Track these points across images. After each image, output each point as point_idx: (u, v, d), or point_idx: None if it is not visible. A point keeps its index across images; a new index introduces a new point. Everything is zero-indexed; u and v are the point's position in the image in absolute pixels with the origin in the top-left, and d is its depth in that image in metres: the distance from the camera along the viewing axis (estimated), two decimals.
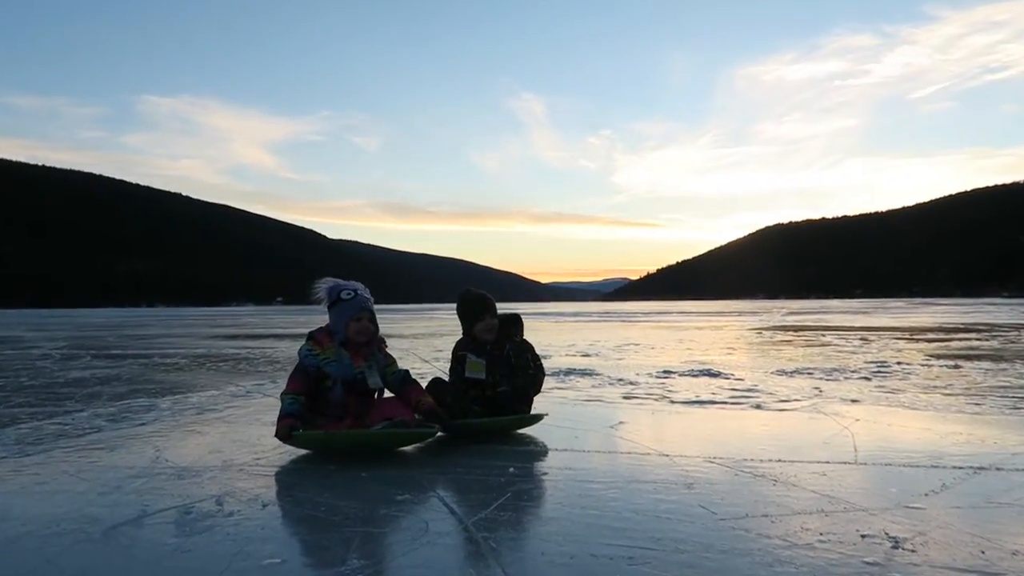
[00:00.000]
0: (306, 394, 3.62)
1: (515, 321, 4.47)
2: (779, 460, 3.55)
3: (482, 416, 4.09)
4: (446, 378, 4.40)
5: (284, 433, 3.47)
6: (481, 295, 4.35)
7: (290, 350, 12.22)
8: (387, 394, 3.93)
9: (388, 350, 3.99)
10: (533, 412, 4.34)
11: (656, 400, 5.65)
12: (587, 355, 10.29)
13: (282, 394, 3.63)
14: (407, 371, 4.03)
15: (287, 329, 23.48)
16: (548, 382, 6.45)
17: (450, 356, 4.51)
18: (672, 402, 5.54)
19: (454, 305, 4.51)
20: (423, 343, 13.93)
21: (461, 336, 4.44)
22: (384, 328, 4.07)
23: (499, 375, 4.20)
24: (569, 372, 7.75)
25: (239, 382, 7.24)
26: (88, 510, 2.86)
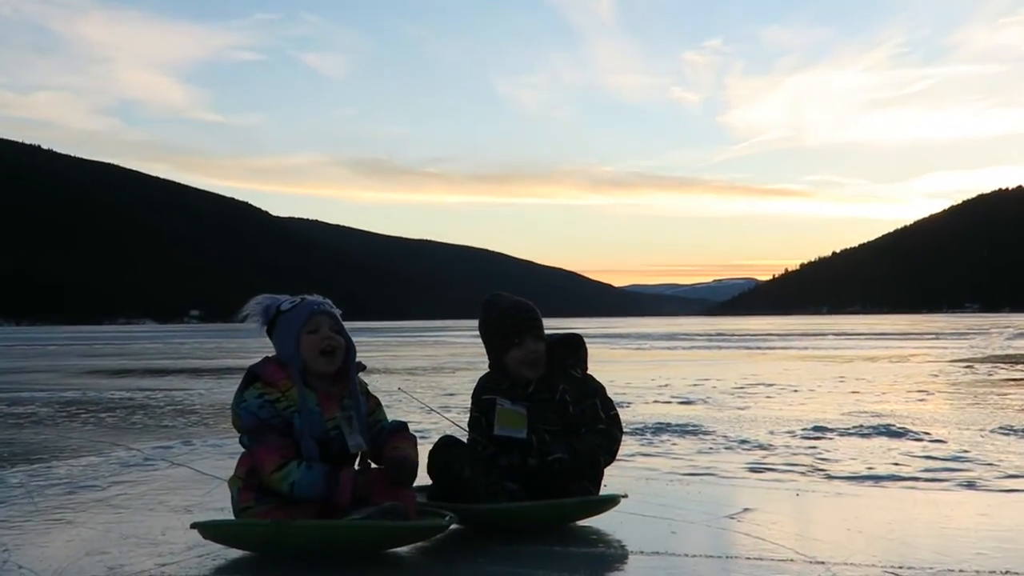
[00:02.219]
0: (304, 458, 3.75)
1: (574, 346, 4.45)
2: (1007, 573, 3.51)
3: (521, 498, 4.08)
4: (463, 436, 4.42)
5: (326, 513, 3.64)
6: (518, 305, 4.35)
7: (213, 394, 12.35)
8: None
9: (370, 389, 4.04)
10: (603, 492, 4.34)
11: (803, 474, 5.64)
12: (689, 402, 10.30)
13: (273, 471, 3.63)
14: (403, 423, 4.06)
15: (208, 360, 23.77)
16: (627, 443, 6.44)
17: (469, 403, 4.49)
18: (829, 477, 5.53)
19: (474, 323, 4.51)
20: (424, 382, 14.00)
21: (487, 371, 4.45)
22: (362, 358, 4.10)
23: (548, 433, 4.20)
24: (661, 428, 7.78)
25: (132, 443, 7.32)
26: None
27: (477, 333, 4.46)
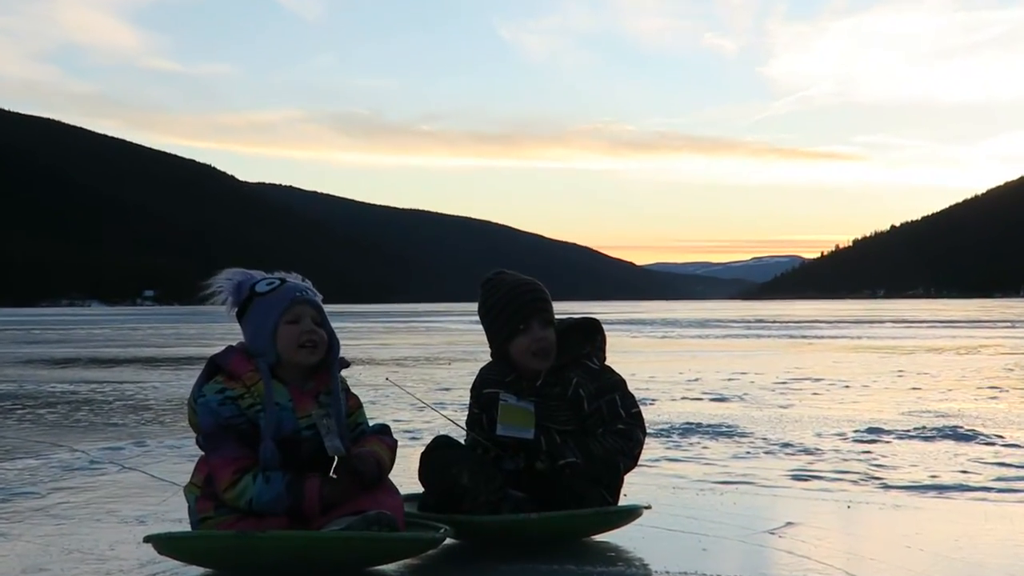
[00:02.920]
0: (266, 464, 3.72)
1: (590, 332, 4.45)
2: None
3: (527, 508, 4.07)
4: (460, 437, 4.42)
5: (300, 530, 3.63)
6: (524, 284, 4.34)
7: (170, 387, 12.42)
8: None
9: (352, 384, 4.03)
10: (623, 503, 4.35)
11: (855, 483, 5.66)
12: (722, 399, 10.35)
13: (226, 488, 3.64)
14: (385, 426, 4.08)
15: (164, 348, 23.88)
16: (651, 446, 6.45)
17: (467, 398, 4.49)
18: (885, 487, 5.55)
19: (474, 306, 4.50)
20: (416, 375, 14.12)
21: (489, 361, 4.46)
22: (344, 347, 4.09)
23: (559, 433, 4.20)
24: (690, 429, 7.82)
25: (76, 444, 7.36)
26: None
27: (477, 318, 4.46)
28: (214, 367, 3.86)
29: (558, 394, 4.26)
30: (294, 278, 3.99)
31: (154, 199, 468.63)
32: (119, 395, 11.25)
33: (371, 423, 4.06)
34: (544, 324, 4.28)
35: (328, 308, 4.01)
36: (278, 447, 3.74)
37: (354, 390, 4.10)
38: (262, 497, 3.66)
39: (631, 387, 4.45)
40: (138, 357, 19.64)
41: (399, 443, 4.10)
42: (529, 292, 4.32)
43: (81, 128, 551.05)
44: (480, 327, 4.45)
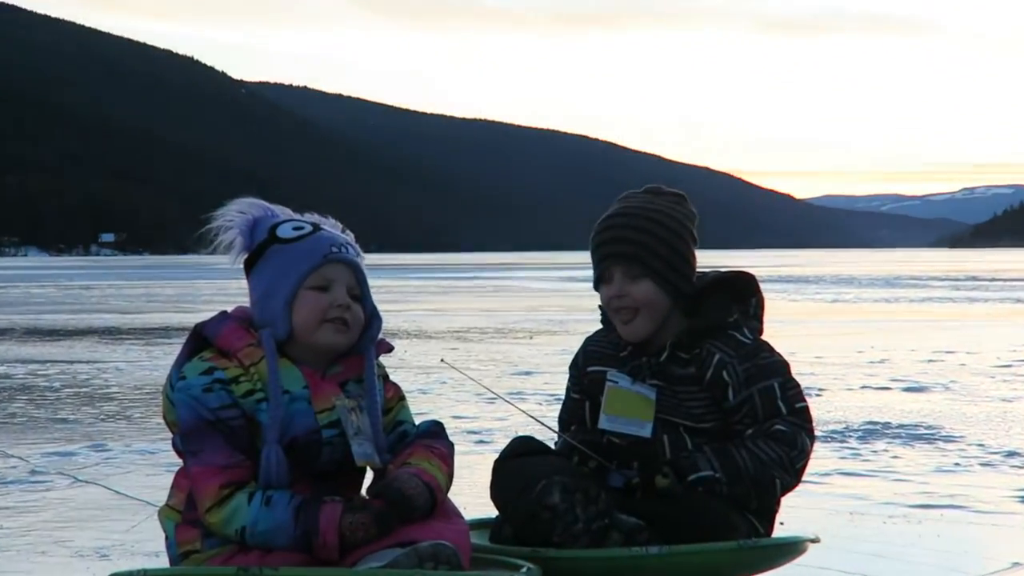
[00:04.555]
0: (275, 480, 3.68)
1: (740, 291, 4.35)
2: None
3: (644, 540, 4.06)
4: (548, 440, 4.41)
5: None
6: (612, 213, 4.27)
7: (140, 370, 12.53)
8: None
9: (389, 374, 4.01)
10: (777, 534, 4.32)
11: None
12: (920, 388, 10.35)
13: (210, 509, 3.65)
14: (437, 424, 4.03)
15: (130, 315, 23.98)
16: (819, 455, 6.39)
17: (554, 386, 4.48)
18: None
19: (563, 257, 4.46)
20: (483, 353, 14.16)
21: (598, 328, 4.41)
22: (385, 318, 4.04)
23: (690, 433, 4.18)
24: (874, 431, 7.84)
25: (12, 447, 7.45)
26: None
27: (565, 275, 4.42)
28: (200, 340, 3.80)
29: (692, 376, 4.17)
30: (331, 226, 3.95)
31: (113, 106, 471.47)
32: (69, 380, 11.35)
33: (418, 422, 4.04)
34: (625, 274, 4.20)
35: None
36: (286, 453, 3.72)
37: (396, 375, 4.09)
38: (259, 525, 3.61)
39: (794, 367, 4.32)
40: (94, 327, 19.82)
41: (460, 449, 4.09)
42: (612, 227, 4.22)
43: (10, 5, 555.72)
44: (581, 276, 4.42)
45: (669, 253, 4.17)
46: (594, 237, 4.23)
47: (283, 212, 3.95)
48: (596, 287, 4.20)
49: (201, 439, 3.64)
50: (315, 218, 3.94)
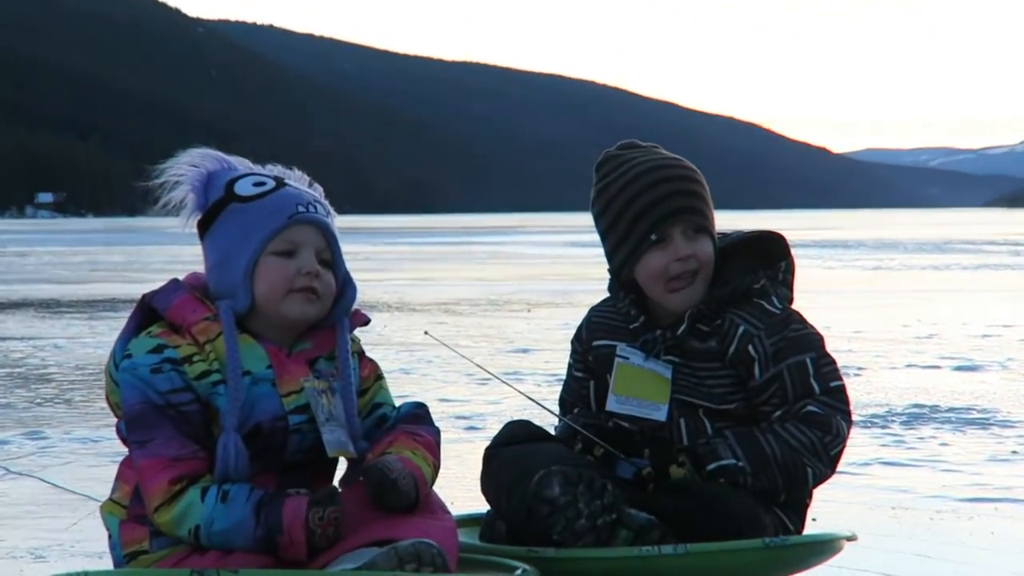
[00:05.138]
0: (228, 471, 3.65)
1: (769, 254, 4.33)
2: None
3: (658, 538, 4.07)
4: (547, 424, 4.43)
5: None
6: (662, 166, 4.23)
7: (82, 347, 12.67)
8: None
9: (367, 351, 4.02)
10: (809, 531, 4.35)
11: None
12: (972, 367, 10.39)
13: (159, 506, 3.65)
14: (420, 406, 4.06)
15: (70, 285, 23.97)
16: (856, 441, 6.40)
17: (556, 361, 4.49)
18: None
19: (566, 218, 4.47)
20: (474, 327, 14.30)
21: (604, 297, 4.42)
22: (364, 286, 4.04)
23: (709, 416, 4.18)
24: (920, 414, 7.88)
25: None
26: None
27: (570, 237, 4.43)
28: (148, 312, 3.79)
29: (713, 351, 4.17)
30: (297, 180, 3.92)
31: (54, 45, 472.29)
32: (1, 359, 11.38)
33: (399, 403, 4.04)
34: (694, 233, 4.21)
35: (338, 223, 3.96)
36: (247, 442, 3.71)
37: (375, 352, 4.09)
38: (215, 524, 3.59)
39: (829, 342, 4.34)
40: (30, 299, 19.93)
41: (447, 436, 4.09)
42: (668, 179, 4.22)
43: None
44: (592, 239, 4.42)
45: (711, 209, 4.23)
46: (646, 188, 4.19)
47: (242, 165, 3.91)
48: (633, 252, 4.17)
49: (149, 427, 3.61)
50: (279, 171, 3.91)
